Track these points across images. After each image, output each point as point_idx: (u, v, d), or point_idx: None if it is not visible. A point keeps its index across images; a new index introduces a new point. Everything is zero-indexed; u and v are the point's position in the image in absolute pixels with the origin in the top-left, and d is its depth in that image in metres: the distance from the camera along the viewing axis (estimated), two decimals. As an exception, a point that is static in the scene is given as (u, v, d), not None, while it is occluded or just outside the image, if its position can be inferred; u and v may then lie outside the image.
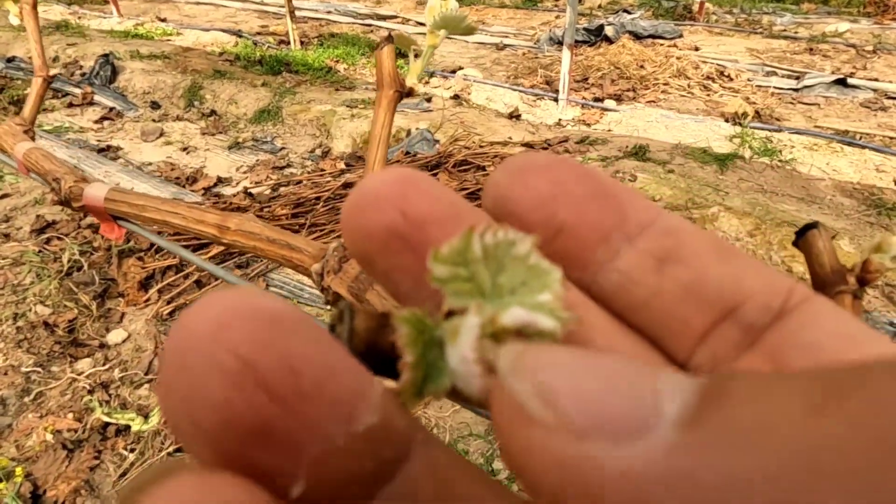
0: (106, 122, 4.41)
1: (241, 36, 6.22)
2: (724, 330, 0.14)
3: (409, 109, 4.13)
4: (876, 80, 4.76)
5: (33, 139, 0.82)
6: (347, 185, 2.89)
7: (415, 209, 0.14)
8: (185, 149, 4.05)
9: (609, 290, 0.15)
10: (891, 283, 2.48)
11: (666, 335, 0.15)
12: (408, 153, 3.50)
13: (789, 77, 4.87)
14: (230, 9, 7.94)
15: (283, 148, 4.02)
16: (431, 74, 4.96)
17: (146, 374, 2.02)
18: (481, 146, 3.47)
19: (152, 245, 2.47)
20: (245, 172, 3.72)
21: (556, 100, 4.40)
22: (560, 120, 4.20)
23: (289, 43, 5.76)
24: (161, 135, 4.21)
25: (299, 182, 3.43)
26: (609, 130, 3.98)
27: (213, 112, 4.50)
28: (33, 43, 0.83)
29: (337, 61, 5.28)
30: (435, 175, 3.13)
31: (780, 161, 3.44)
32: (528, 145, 3.58)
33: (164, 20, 7.21)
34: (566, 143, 3.64)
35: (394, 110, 0.36)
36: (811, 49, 5.70)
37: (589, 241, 0.15)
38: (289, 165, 3.77)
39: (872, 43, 5.84)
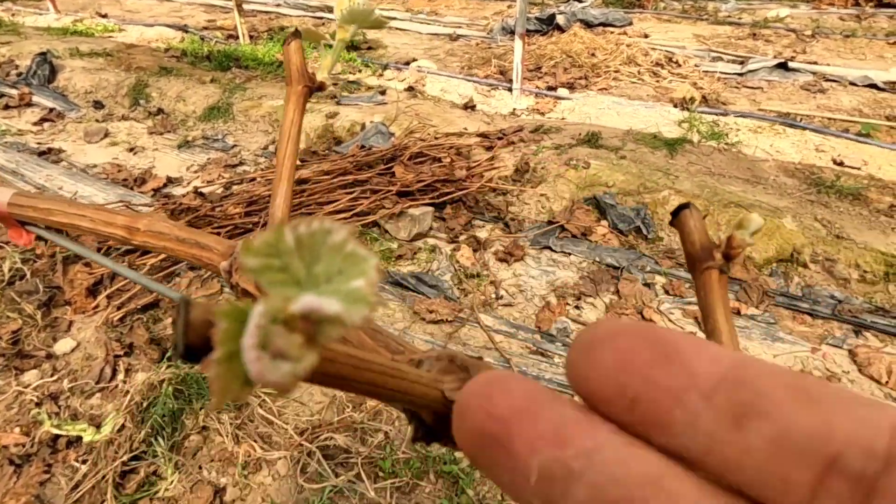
0: (46, 124, 4.23)
1: (187, 31, 6.05)
2: (832, 485, 0.13)
3: (362, 103, 4.09)
4: (815, 63, 4.95)
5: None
6: (302, 182, 2.85)
7: (497, 408, 0.16)
8: (132, 149, 3.92)
9: (698, 453, 0.15)
10: (830, 258, 2.59)
11: (769, 495, 0.14)
12: (363, 147, 3.48)
13: (734, 62, 5.02)
14: (175, 3, 7.70)
15: (235, 145, 3.94)
16: (385, 67, 4.92)
17: (97, 382, 1.96)
18: (436, 138, 3.47)
19: (99, 249, 2.39)
20: (196, 172, 3.63)
21: (510, 89, 4.43)
22: (514, 109, 4.23)
23: (237, 37, 5.62)
24: (106, 135, 4.06)
25: (253, 179, 3.36)
26: (563, 119, 4.03)
27: (160, 110, 4.37)
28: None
29: (288, 55, 5.18)
30: (390, 168, 3.12)
31: (726, 144, 3.54)
32: (484, 135, 3.60)
33: (104, 16, 6.94)
34: (521, 132, 3.67)
35: (303, 106, 0.36)
36: (754, 34, 5.88)
37: (663, 406, 0.15)
38: (241, 163, 3.70)
39: (811, 27, 6.06)
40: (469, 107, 4.17)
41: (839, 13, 6.75)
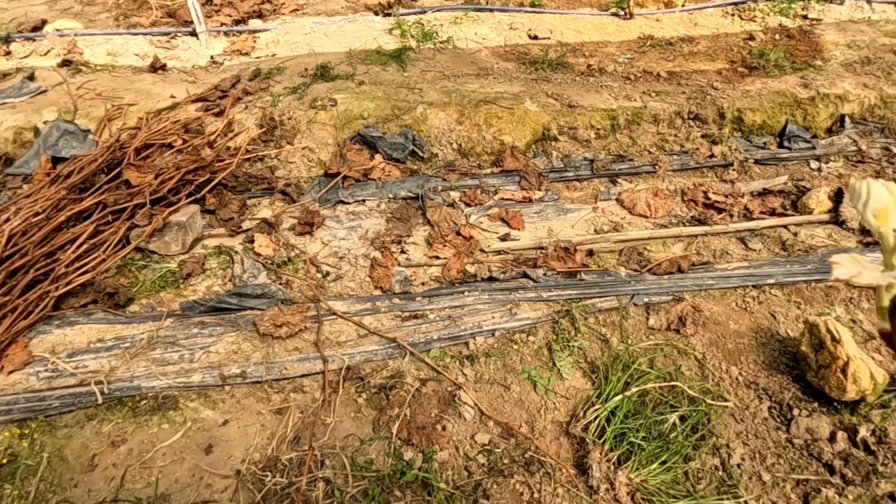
0: None
1: None
2: None
3: (11, 99, 3.08)
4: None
5: None
6: (10, 238, 2.09)
7: None
8: None
9: None
10: (572, 126, 2.99)
11: None
12: (56, 160, 2.67)
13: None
14: None
15: None
16: (7, 40, 3.70)
17: None
18: (152, 119, 2.84)
19: None
20: None
21: (193, 33, 3.79)
22: (212, 57, 3.66)
23: None
24: None
25: None
26: (273, 55, 3.64)
27: None
28: None
29: None
30: (119, 176, 2.49)
31: (441, 43, 3.67)
32: (203, 99, 3.07)
33: None
34: (240, 83, 3.23)
35: None
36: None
37: None
38: None
39: None
40: (158, 67, 3.47)
41: None
